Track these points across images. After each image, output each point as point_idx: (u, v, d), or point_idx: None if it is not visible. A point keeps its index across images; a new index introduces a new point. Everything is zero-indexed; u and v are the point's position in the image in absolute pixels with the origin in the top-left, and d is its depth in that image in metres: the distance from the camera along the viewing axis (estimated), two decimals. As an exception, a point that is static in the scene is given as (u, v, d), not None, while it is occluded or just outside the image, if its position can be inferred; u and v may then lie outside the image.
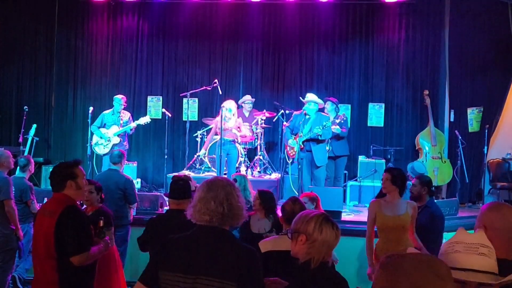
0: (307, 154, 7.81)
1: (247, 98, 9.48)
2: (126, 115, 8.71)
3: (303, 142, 7.73)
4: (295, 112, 8.32)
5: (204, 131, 9.31)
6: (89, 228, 3.48)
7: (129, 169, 8.97)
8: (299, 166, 7.77)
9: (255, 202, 4.69)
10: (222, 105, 8.27)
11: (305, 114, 7.88)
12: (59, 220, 3.28)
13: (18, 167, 6.10)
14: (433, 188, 5.95)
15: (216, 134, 8.41)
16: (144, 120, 8.67)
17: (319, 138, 7.70)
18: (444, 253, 1.92)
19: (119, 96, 8.74)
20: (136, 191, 6.62)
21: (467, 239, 1.93)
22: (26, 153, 8.80)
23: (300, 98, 8.27)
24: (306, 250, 2.52)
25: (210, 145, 8.76)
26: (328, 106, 8.72)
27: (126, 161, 7.83)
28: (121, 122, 8.57)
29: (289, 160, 8.30)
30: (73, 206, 3.40)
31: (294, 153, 7.92)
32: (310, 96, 7.99)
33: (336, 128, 8.33)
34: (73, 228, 3.30)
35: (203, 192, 2.43)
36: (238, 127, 8.33)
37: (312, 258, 2.48)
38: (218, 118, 8.28)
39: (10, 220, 5.41)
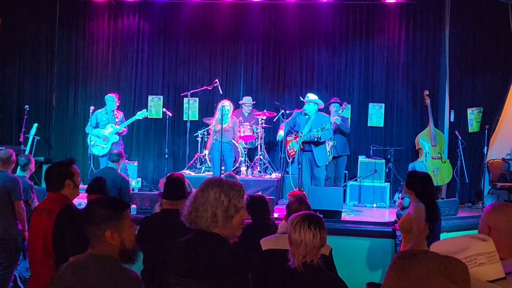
0: (308, 154, 7.83)
1: (248, 100, 9.51)
2: (120, 114, 8.72)
3: (302, 143, 7.75)
4: (296, 110, 8.34)
5: (204, 131, 9.33)
6: None
7: (130, 169, 8.99)
8: (299, 166, 7.78)
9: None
10: (218, 106, 8.27)
11: (305, 114, 7.90)
12: (58, 219, 3.27)
13: (19, 166, 6.13)
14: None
15: (214, 134, 8.41)
16: (140, 113, 8.68)
17: (319, 140, 7.72)
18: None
19: (111, 95, 8.73)
20: (132, 191, 6.65)
21: (484, 248, 1.84)
22: (27, 152, 8.81)
23: (301, 97, 8.29)
24: (290, 250, 2.61)
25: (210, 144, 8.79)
26: (334, 108, 8.80)
27: (126, 160, 7.86)
28: (117, 120, 8.57)
29: (289, 159, 8.32)
30: (71, 205, 3.40)
31: (294, 152, 7.94)
32: (311, 96, 8.01)
33: (337, 119, 8.45)
34: (72, 227, 3.28)
35: (199, 197, 2.37)
36: (233, 127, 8.27)
37: (294, 258, 2.56)
38: (213, 120, 8.29)
39: (19, 220, 5.43)
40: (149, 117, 9.73)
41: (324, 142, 7.93)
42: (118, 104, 8.70)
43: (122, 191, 6.22)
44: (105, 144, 8.43)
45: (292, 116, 8.23)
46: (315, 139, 7.67)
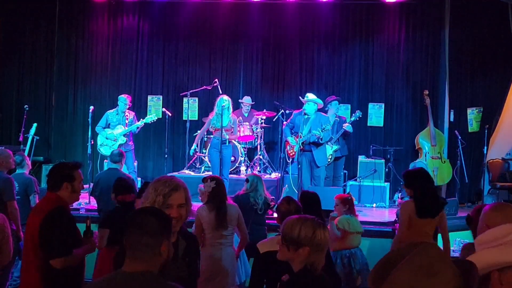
0: (308, 154, 7.82)
1: (247, 101, 9.49)
2: (131, 114, 8.68)
3: (302, 144, 7.74)
4: (295, 111, 8.33)
5: (204, 131, 9.32)
6: (74, 231, 3.40)
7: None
8: (299, 166, 7.78)
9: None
10: (217, 100, 7.97)
11: (305, 114, 7.89)
12: (45, 219, 3.22)
13: (17, 166, 6.12)
14: None
15: (207, 131, 8.31)
16: (150, 118, 8.64)
17: (320, 141, 7.71)
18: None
19: (124, 96, 8.67)
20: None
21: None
22: (26, 152, 8.79)
23: (300, 97, 8.28)
24: (307, 259, 2.46)
25: (199, 141, 8.66)
26: (333, 107, 8.81)
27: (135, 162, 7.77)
28: (127, 121, 8.54)
29: (289, 159, 8.32)
30: (62, 207, 3.33)
31: (294, 152, 7.93)
32: (310, 96, 8.00)
33: (347, 126, 8.65)
34: (57, 229, 3.21)
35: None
36: (232, 126, 8.02)
37: (316, 264, 2.47)
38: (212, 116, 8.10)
39: (12, 220, 5.41)
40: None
41: (324, 143, 7.92)
42: (128, 106, 8.64)
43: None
44: (113, 145, 8.40)
45: (291, 118, 8.21)
46: (317, 139, 7.66)
